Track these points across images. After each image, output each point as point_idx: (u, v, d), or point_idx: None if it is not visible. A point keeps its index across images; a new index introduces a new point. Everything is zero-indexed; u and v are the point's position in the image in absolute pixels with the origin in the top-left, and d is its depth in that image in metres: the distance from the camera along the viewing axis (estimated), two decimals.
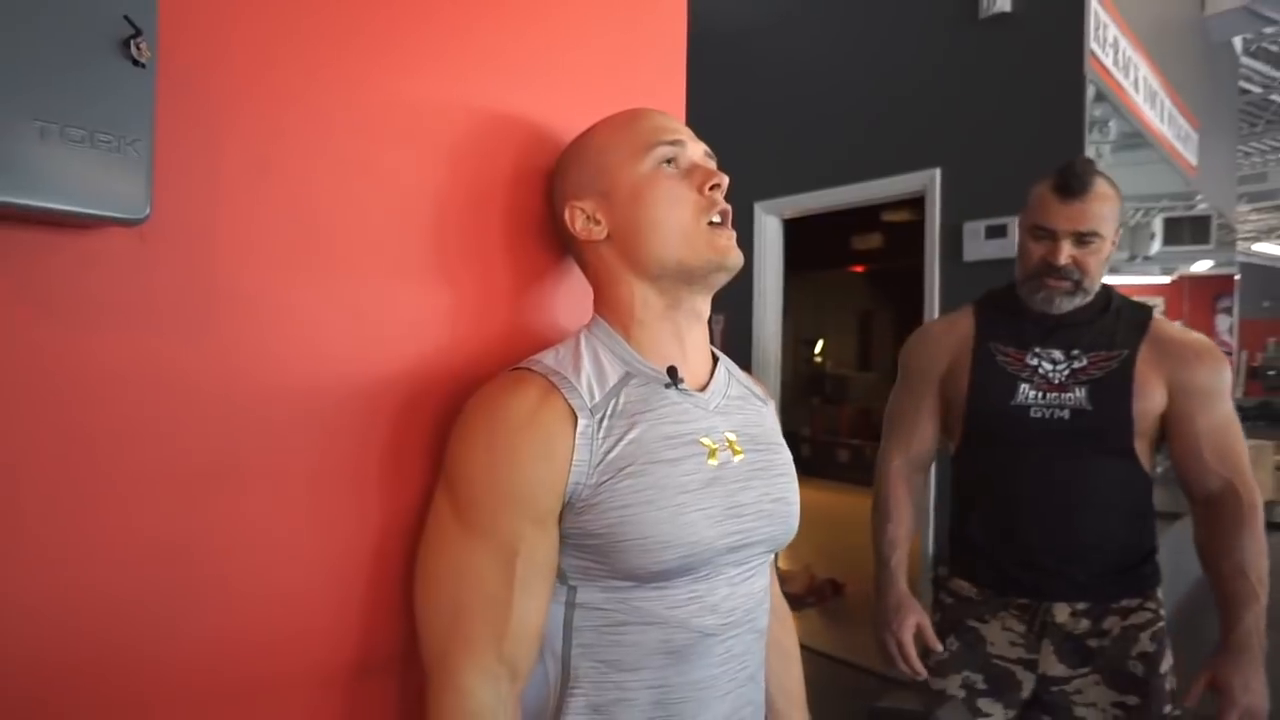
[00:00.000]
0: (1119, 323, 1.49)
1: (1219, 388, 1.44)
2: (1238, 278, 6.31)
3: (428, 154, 0.86)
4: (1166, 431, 1.46)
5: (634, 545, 0.74)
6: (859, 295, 9.71)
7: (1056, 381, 1.46)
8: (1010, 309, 1.56)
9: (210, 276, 0.70)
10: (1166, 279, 6.17)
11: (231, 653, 0.72)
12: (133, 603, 0.66)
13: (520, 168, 0.94)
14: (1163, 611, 1.49)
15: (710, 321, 0.90)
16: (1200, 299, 6.31)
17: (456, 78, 0.88)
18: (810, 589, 4.44)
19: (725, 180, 0.83)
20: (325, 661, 0.78)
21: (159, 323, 0.67)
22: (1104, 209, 1.44)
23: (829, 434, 9.00)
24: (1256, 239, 13.74)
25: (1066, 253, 1.44)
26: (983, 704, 1.51)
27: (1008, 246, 2.86)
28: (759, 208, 3.71)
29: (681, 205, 0.81)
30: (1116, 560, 1.47)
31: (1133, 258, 5.42)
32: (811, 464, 8.52)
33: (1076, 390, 1.45)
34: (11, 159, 0.53)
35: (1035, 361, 1.49)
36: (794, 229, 3.95)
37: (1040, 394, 1.47)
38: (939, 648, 1.54)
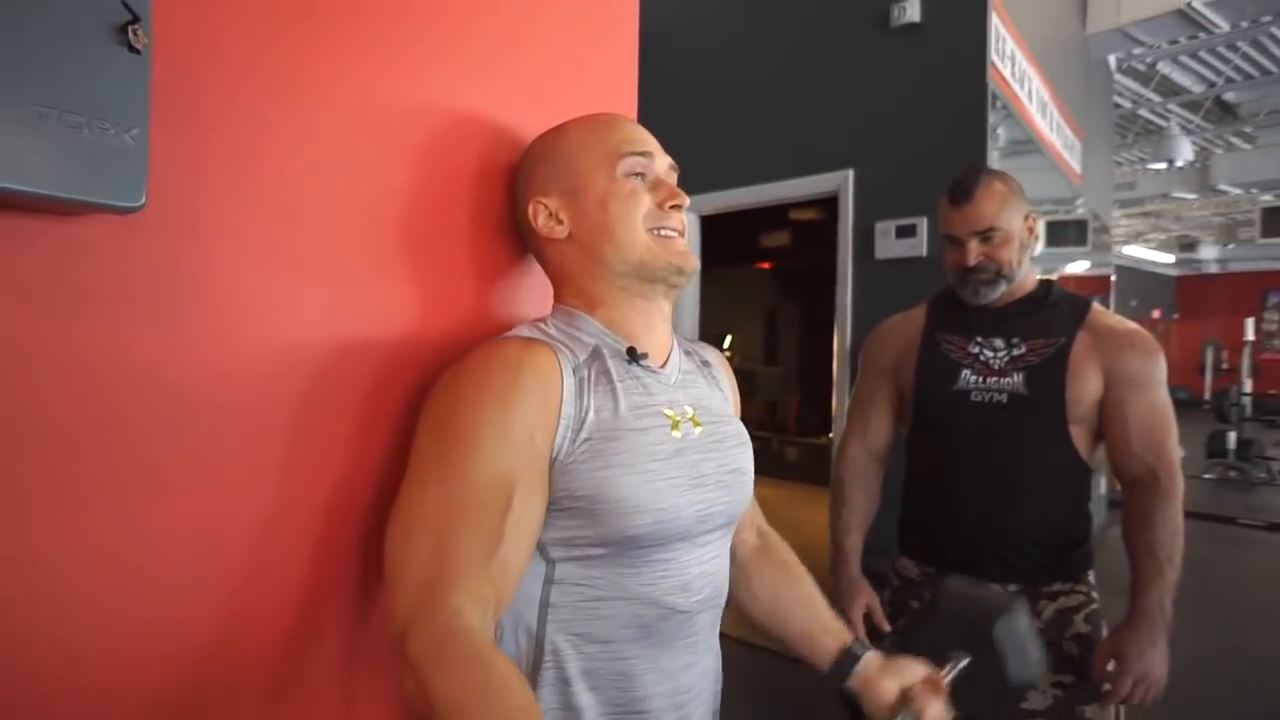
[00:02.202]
0: (1058, 313, 1.58)
1: (1152, 375, 1.52)
2: (1114, 278, 6.80)
3: (397, 150, 0.87)
4: (1102, 418, 1.53)
5: (613, 508, 0.77)
6: (766, 291, 9.93)
7: (996, 367, 1.55)
8: (958, 304, 1.64)
9: (192, 266, 0.69)
10: (1049, 277, 6.59)
11: (217, 644, 0.71)
12: (127, 586, 0.65)
13: (484, 164, 0.95)
14: (1095, 594, 1.57)
15: None
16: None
17: (423, 77, 0.89)
18: None
19: (686, 201, 0.88)
20: (307, 646, 0.79)
21: (142, 311, 0.66)
22: (995, 206, 1.53)
23: None
24: (1126, 242, 14.77)
25: (975, 252, 1.54)
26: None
27: (916, 245, 3.02)
28: None
29: (642, 217, 0.85)
30: (1049, 544, 1.54)
31: None
32: None
33: (1014, 375, 1.53)
34: (10, 145, 0.52)
35: (977, 349, 1.58)
36: (706, 225, 4.03)
37: (980, 379, 1.55)
38: (886, 627, 1.63)
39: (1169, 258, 15.68)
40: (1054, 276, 6.42)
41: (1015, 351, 1.55)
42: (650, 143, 0.88)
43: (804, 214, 6.93)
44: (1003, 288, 1.56)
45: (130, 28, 0.57)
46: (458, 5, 0.93)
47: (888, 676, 0.93)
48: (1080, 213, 5.46)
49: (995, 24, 2.99)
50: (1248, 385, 9.21)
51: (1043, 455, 1.53)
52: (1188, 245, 14.79)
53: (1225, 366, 13.75)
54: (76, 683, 0.63)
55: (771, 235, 8.04)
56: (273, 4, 0.74)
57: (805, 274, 8.63)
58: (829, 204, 3.54)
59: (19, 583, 0.60)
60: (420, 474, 0.75)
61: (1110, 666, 1.46)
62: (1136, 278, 16.57)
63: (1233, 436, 8.67)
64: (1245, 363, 9.38)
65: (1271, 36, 5.95)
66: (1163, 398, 1.52)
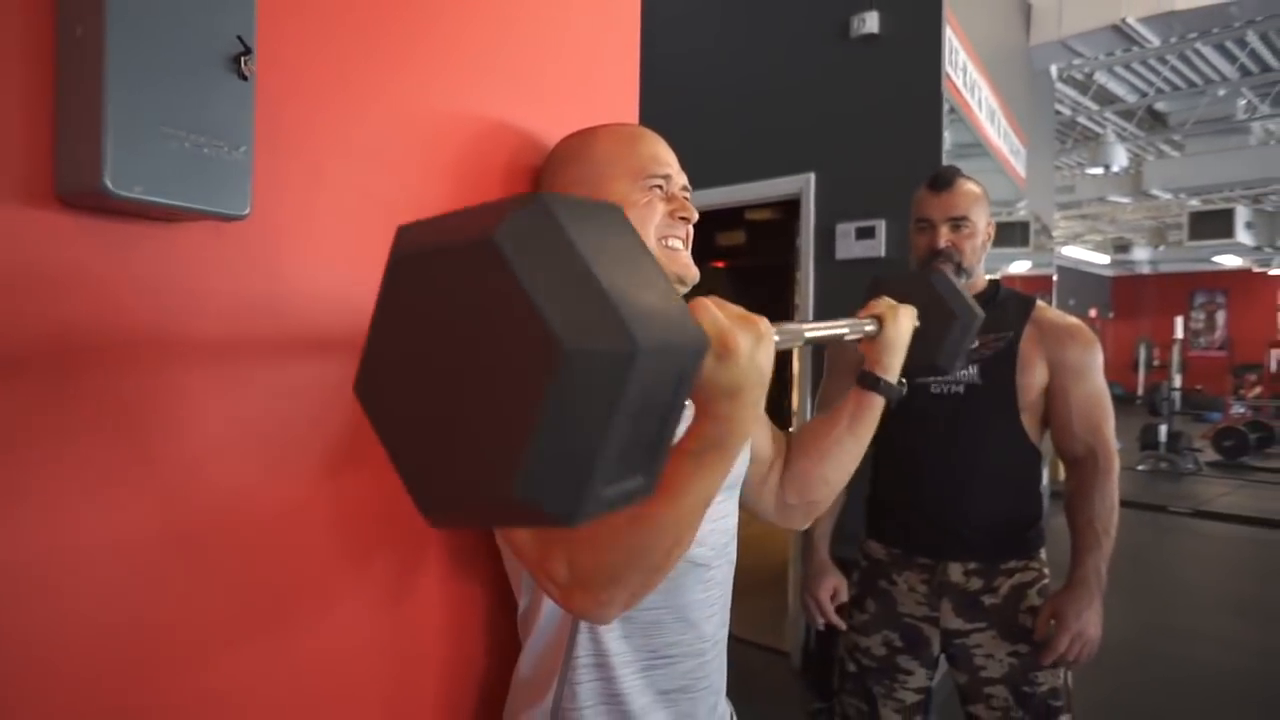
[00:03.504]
0: (1006, 309, 1.72)
1: (1090, 364, 1.67)
2: (1055, 278, 7.10)
3: (437, 155, 0.95)
4: (1047, 404, 1.69)
5: None
6: (721, 290, 10.04)
7: None
8: None
9: (281, 265, 0.77)
10: (995, 278, 6.86)
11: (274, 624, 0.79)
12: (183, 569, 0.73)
13: (511, 167, 1.03)
14: (1047, 570, 1.72)
15: None
16: None
17: (455, 89, 0.97)
18: None
19: (695, 216, 0.98)
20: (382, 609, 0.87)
21: (237, 309, 0.73)
22: (970, 200, 1.70)
23: None
24: (1065, 243, 15.30)
25: (945, 237, 1.68)
26: (902, 661, 1.72)
27: (875, 246, 3.17)
28: None
29: (655, 228, 0.95)
30: (1004, 524, 1.69)
31: None
32: None
33: (970, 368, 1.68)
34: (146, 162, 0.60)
35: None
36: None
37: None
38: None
39: (1104, 258, 16.31)
40: (998, 276, 6.70)
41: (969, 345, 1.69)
42: (672, 164, 0.98)
43: (759, 214, 7.08)
44: (962, 281, 1.70)
45: (242, 58, 0.65)
46: (481, 21, 1.01)
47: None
48: (1022, 214, 5.71)
49: (949, 36, 3.16)
50: (1177, 381, 9.66)
51: (997, 441, 1.67)
52: (1122, 247, 15.41)
53: (1157, 363, 14.38)
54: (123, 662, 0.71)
55: (727, 235, 8.17)
56: (326, 27, 0.82)
57: (761, 273, 8.80)
58: (784, 205, 3.67)
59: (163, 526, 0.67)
60: None
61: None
62: (1075, 277, 17.19)
63: (1164, 429, 9.10)
64: (1175, 360, 9.85)
65: (1196, 52, 6.30)
66: (1100, 385, 1.69)
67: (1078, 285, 17.42)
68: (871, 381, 1.05)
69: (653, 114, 4.49)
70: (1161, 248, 14.85)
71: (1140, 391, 12.95)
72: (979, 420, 1.67)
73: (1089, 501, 1.64)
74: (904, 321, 1.04)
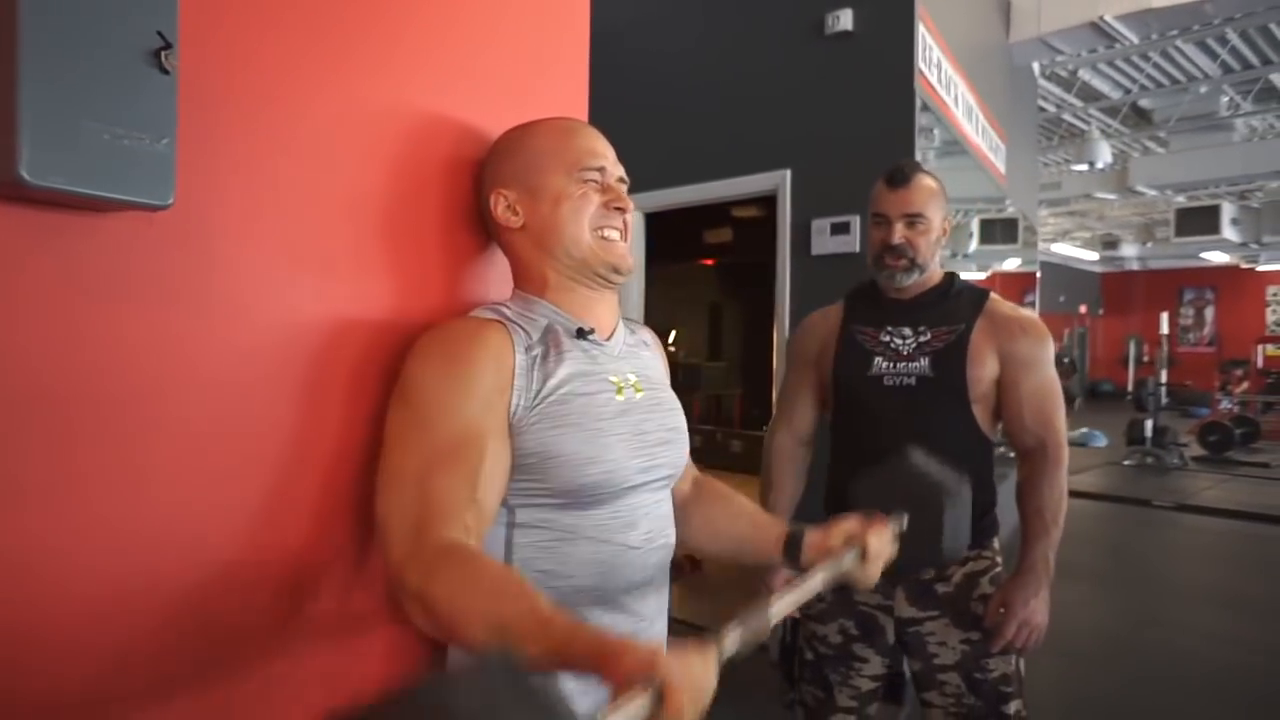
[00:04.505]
0: (960, 302, 1.75)
1: (1040, 357, 1.70)
2: (1039, 275, 7.15)
3: (374, 150, 0.97)
4: (998, 396, 1.71)
5: (564, 461, 0.89)
6: (709, 287, 10.12)
7: (905, 353, 1.72)
8: (871, 298, 1.82)
9: (206, 255, 0.79)
10: (983, 275, 6.91)
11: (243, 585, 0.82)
12: (151, 539, 0.75)
13: (452, 161, 1.06)
14: (999, 559, 1.75)
15: None
16: (1012, 293, 7.14)
17: (397, 82, 1.00)
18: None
19: (629, 206, 1.00)
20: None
21: (166, 295, 0.76)
22: (926, 196, 1.71)
23: None
24: (1054, 240, 15.36)
25: (899, 233, 1.70)
26: (858, 649, 1.74)
27: (850, 242, 3.20)
28: None
29: (589, 219, 0.97)
30: None
31: (954, 255, 6.04)
32: None
33: (921, 360, 1.70)
34: (72, 154, 0.62)
35: (888, 338, 1.75)
36: (651, 222, 4.16)
37: (891, 364, 1.72)
38: None
39: (1093, 255, 16.38)
40: (987, 274, 6.75)
41: (922, 339, 1.72)
42: (607, 157, 1.01)
43: (745, 211, 7.12)
44: (915, 276, 1.73)
45: (163, 53, 0.67)
46: (425, 15, 1.03)
47: (831, 534, 1.03)
48: (1010, 211, 5.75)
49: (922, 34, 3.18)
50: (1164, 376, 9.72)
51: (948, 431, 1.70)
52: (1110, 243, 15.48)
53: (1146, 359, 14.47)
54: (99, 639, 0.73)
55: (714, 232, 8.21)
56: (266, 18, 0.84)
57: (747, 270, 8.84)
58: (769, 202, 3.70)
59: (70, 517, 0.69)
60: (398, 435, 0.86)
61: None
62: (1063, 274, 17.25)
63: (1149, 425, 9.16)
64: (1162, 355, 9.91)
65: (1178, 49, 6.35)
66: (1051, 377, 1.71)
67: (1067, 282, 17.47)
68: (792, 563, 1.05)
69: (632, 111, 4.55)
70: (1149, 244, 14.92)
71: (1130, 387, 13.00)
72: (931, 412, 1.70)
73: (1038, 491, 1.67)
74: (886, 535, 1.02)
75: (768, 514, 1.15)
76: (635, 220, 3.99)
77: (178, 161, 0.71)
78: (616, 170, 1.02)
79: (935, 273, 1.80)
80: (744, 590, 1.86)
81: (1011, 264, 6.89)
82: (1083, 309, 17.80)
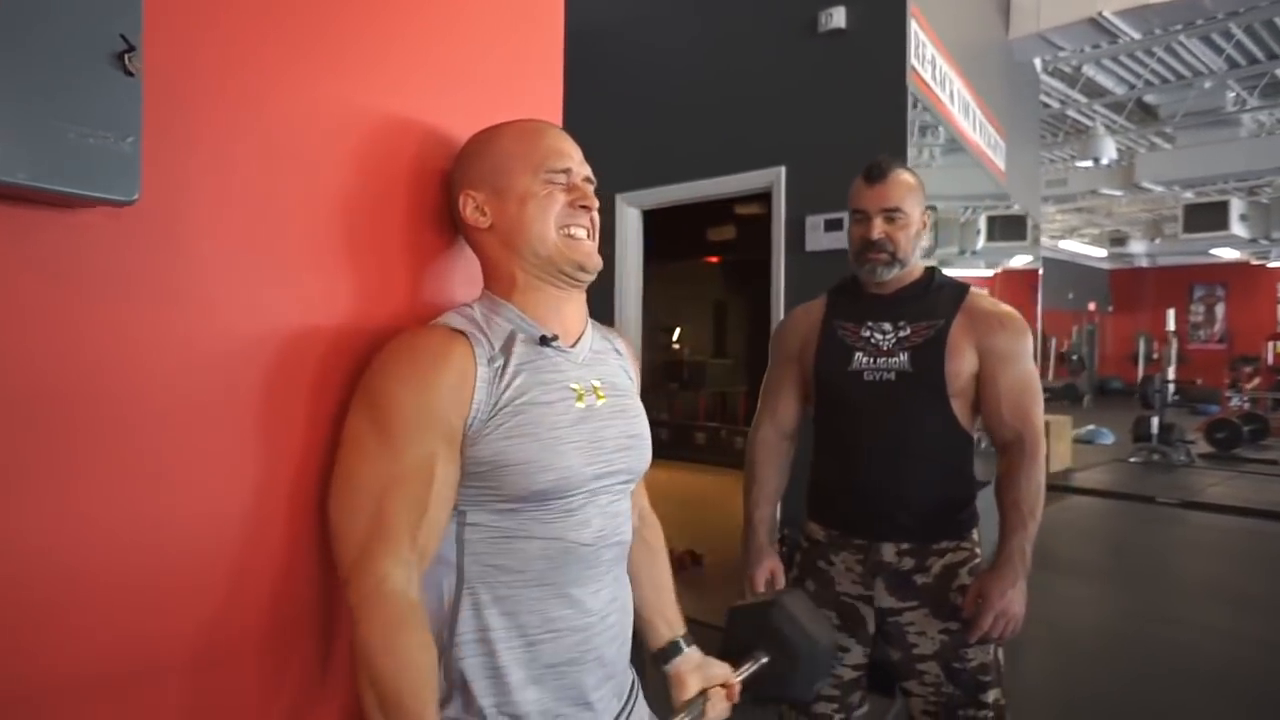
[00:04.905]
0: (940, 297, 1.76)
1: (1018, 351, 1.71)
2: (1041, 272, 7.14)
3: (344, 152, 0.99)
4: (977, 391, 1.73)
5: (517, 469, 0.91)
6: (714, 285, 10.15)
7: (885, 348, 1.73)
8: (853, 293, 1.84)
9: (177, 250, 0.82)
10: (991, 272, 6.90)
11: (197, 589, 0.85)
12: (112, 533, 0.78)
13: (421, 163, 1.08)
14: (979, 550, 1.77)
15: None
16: (1021, 290, 7.12)
17: (364, 83, 1.02)
18: (670, 560, 4.75)
19: (595, 204, 1.02)
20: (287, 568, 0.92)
21: (133, 286, 0.79)
22: (904, 191, 1.73)
23: (688, 418, 9.40)
24: (1062, 237, 15.30)
25: (879, 228, 1.72)
26: (840, 638, 1.76)
27: (843, 239, 3.19)
28: (620, 199, 3.93)
29: (555, 217, 0.99)
30: (935, 506, 1.73)
31: (962, 252, 6.03)
32: (671, 446, 8.90)
33: (901, 355, 1.72)
34: (38, 151, 0.65)
35: (868, 333, 1.77)
36: (653, 220, 4.18)
37: (871, 359, 1.74)
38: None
39: (1101, 252, 16.31)
40: (995, 270, 6.72)
41: (901, 334, 1.74)
42: (573, 158, 1.03)
43: (749, 209, 7.12)
44: (895, 270, 1.75)
45: (126, 55, 0.70)
46: (394, 17, 1.06)
47: (695, 673, 1.16)
48: (1017, 209, 5.75)
49: (915, 31, 3.20)
50: (1170, 373, 9.69)
51: (927, 425, 1.72)
52: (1118, 240, 15.41)
53: (1155, 357, 14.39)
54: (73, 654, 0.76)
55: (718, 230, 8.22)
56: (236, 24, 0.87)
57: (751, 267, 8.82)
58: (770, 199, 3.72)
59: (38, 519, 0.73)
60: (357, 445, 0.90)
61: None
62: (1072, 271, 17.18)
63: (1155, 422, 9.13)
64: (1168, 352, 9.88)
65: (1182, 44, 6.33)
66: (1029, 370, 1.73)
67: (1076, 279, 17.40)
68: (656, 665, 1.18)
69: (627, 109, 4.59)
70: (1158, 241, 14.85)
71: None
72: (909, 406, 1.72)
73: (1015, 484, 1.68)
74: (718, 706, 1.14)
75: (668, 604, 1.21)
76: (631, 218, 4.02)
77: (144, 159, 0.74)
78: (583, 170, 1.04)
79: (916, 267, 1.82)
80: (741, 588, 1.90)
81: (1021, 260, 6.88)
82: (1091, 306, 17.72)
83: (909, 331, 1.73)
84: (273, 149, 0.91)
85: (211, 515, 0.87)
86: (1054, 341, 16.85)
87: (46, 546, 0.74)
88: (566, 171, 1.01)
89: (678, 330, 10.54)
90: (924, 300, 1.77)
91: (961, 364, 1.70)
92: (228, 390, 0.88)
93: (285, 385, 0.93)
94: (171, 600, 0.83)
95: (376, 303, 1.04)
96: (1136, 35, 5.14)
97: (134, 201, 0.72)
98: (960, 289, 1.80)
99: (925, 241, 1.81)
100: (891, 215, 1.73)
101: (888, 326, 1.76)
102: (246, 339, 0.89)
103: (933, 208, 1.86)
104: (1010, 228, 6.05)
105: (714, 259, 9.76)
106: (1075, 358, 17.11)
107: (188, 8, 0.83)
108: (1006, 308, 1.79)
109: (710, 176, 3.71)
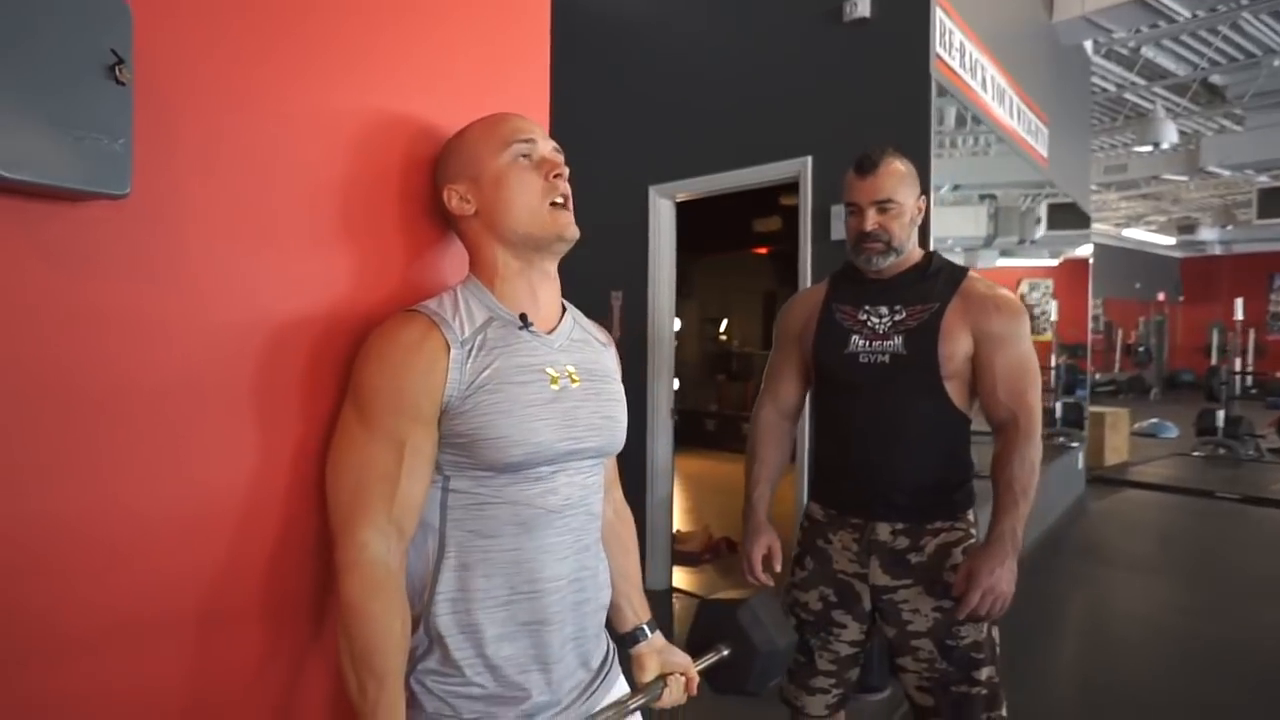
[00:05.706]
0: (937, 281, 1.80)
1: (1014, 334, 1.74)
2: (1092, 261, 6.96)
3: (336, 147, 1.09)
4: (973, 373, 1.76)
5: (492, 443, 1.00)
6: (762, 276, 10.11)
7: (880, 332, 1.78)
8: (853, 277, 1.89)
9: (171, 240, 0.93)
10: (1055, 260, 6.75)
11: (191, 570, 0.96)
12: (119, 515, 0.89)
13: (411, 157, 1.17)
14: (974, 530, 1.80)
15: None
16: (1080, 279, 6.96)
17: (358, 84, 1.11)
18: (708, 547, 4.80)
19: (566, 171, 1.10)
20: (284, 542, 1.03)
21: (134, 274, 0.90)
22: (895, 181, 1.77)
23: (734, 408, 9.42)
24: (1126, 225, 14.78)
25: (871, 220, 1.77)
26: (836, 615, 1.83)
27: None
28: (653, 191, 3.98)
29: (530, 190, 1.07)
30: (930, 487, 1.77)
31: (1021, 241, 5.90)
32: (717, 437, 8.94)
33: (896, 338, 1.76)
34: (38, 150, 0.76)
35: (865, 317, 1.81)
36: (695, 212, 4.22)
37: (867, 342, 1.79)
38: (777, 568, 1.88)
39: (1169, 239, 15.70)
40: (1059, 260, 6.56)
41: (897, 317, 1.77)
42: (534, 130, 1.10)
43: (793, 200, 7.10)
44: (892, 258, 1.79)
45: (117, 67, 0.81)
46: (385, 19, 1.15)
47: (656, 658, 1.24)
48: (1064, 197, 5.62)
49: (940, 18, 3.19)
50: (1238, 365, 9.32)
51: (921, 408, 1.75)
52: (1187, 227, 14.81)
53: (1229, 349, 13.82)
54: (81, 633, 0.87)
55: (765, 221, 8.21)
56: (225, 29, 0.97)
57: (799, 258, 8.78)
58: (799, 189, 3.74)
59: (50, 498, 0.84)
60: (344, 428, 1.01)
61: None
62: (1139, 259, 16.59)
63: (1220, 415, 8.80)
64: (1236, 343, 9.50)
65: (1248, 20, 6.09)
66: (1026, 352, 1.75)
67: (1143, 268, 16.80)
68: (622, 647, 1.27)
69: (658, 104, 4.65)
70: (1230, 227, 14.23)
71: None
72: (904, 388, 1.75)
73: (1009, 465, 1.71)
74: (675, 690, 1.22)
75: (636, 592, 1.30)
76: (664, 209, 4.08)
77: (138, 156, 0.84)
78: (548, 143, 1.11)
79: (914, 252, 1.85)
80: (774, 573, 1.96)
81: (1086, 249, 6.71)
82: (1161, 296, 17.09)
83: (904, 315, 1.77)
84: (268, 145, 1.01)
85: (216, 487, 0.97)
86: (1119, 332, 16.31)
87: (48, 511, 0.85)
88: (530, 141, 1.09)
89: (725, 321, 10.54)
90: (922, 284, 1.80)
91: (955, 347, 1.73)
92: (226, 371, 0.97)
93: (282, 367, 1.03)
94: (179, 567, 0.94)
95: (369, 288, 1.13)
96: (1187, 14, 4.97)
97: (125, 195, 0.82)
98: (959, 272, 1.83)
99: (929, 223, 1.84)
100: (884, 206, 1.76)
101: (884, 310, 1.80)
102: (241, 322, 0.99)
103: (926, 194, 1.88)
104: (1073, 216, 5.90)
105: (762, 250, 9.76)
106: (1142, 349, 16.53)
107: (176, 20, 0.93)
108: (1003, 291, 1.81)
109: (739, 168, 3.75)
